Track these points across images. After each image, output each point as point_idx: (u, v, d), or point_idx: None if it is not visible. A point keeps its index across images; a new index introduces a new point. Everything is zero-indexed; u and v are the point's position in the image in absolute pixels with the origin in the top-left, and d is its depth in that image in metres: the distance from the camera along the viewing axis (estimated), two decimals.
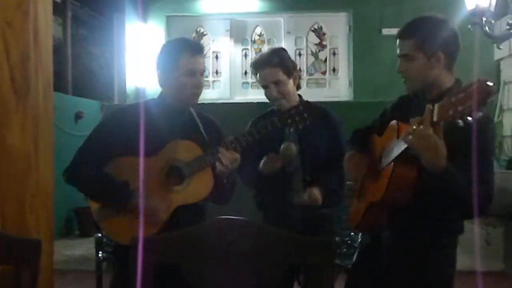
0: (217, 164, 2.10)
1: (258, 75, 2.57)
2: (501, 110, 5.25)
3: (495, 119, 5.21)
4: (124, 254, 2.01)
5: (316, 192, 2.45)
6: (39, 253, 1.60)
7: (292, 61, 2.62)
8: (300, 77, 2.68)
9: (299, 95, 2.65)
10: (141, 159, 2.05)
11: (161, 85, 2.27)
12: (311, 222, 2.50)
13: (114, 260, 2.38)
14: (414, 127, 1.60)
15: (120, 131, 2.14)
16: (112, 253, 2.35)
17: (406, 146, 1.68)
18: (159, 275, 1.39)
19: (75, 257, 5.48)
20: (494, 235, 4.59)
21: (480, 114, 1.45)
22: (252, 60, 2.64)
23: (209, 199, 2.26)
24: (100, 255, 3.43)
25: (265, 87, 2.56)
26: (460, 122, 1.48)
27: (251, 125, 2.64)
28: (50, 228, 2.04)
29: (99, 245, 3.50)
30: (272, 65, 2.51)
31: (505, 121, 5.21)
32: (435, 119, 1.55)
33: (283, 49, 2.67)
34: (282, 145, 2.43)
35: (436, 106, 1.55)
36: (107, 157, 2.14)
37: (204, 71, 2.26)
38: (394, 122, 1.89)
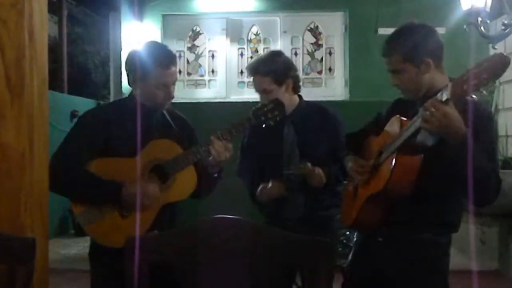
0: (212, 152, 2.10)
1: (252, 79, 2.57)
2: (496, 110, 5.26)
3: None
4: (104, 255, 1.99)
5: (319, 170, 2.43)
6: (33, 252, 1.60)
7: (287, 67, 2.54)
8: (296, 82, 2.60)
9: (300, 96, 2.64)
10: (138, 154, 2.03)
11: (131, 86, 2.25)
12: (313, 223, 2.49)
13: (92, 263, 2.29)
14: (431, 109, 1.63)
15: (96, 133, 2.13)
16: (91, 254, 2.27)
17: (416, 128, 1.70)
18: (154, 275, 1.39)
19: (70, 256, 5.47)
20: (489, 235, 4.60)
21: (492, 110, 1.49)
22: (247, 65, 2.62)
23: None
24: None
25: (258, 92, 2.56)
26: (474, 97, 1.53)
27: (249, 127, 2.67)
28: (45, 227, 2.03)
29: None
30: (261, 74, 2.49)
31: (500, 121, 5.21)
32: (448, 96, 1.59)
33: (276, 55, 2.59)
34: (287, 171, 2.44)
35: (450, 84, 1.59)
36: (85, 159, 2.11)
37: (176, 80, 2.22)
38: (396, 116, 1.92)
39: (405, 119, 1.87)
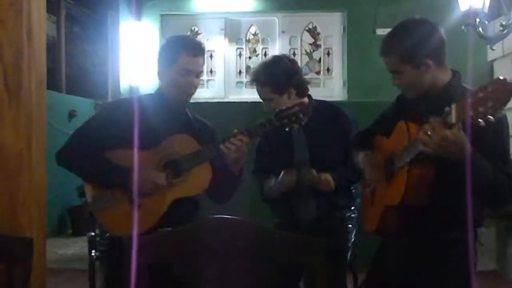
0: (228, 151, 2.08)
1: None
2: None
3: None
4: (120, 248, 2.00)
5: (326, 176, 2.43)
6: (31, 252, 1.60)
7: (287, 75, 2.47)
8: (300, 87, 2.54)
9: (309, 96, 2.61)
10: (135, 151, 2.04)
11: (159, 79, 2.29)
12: (326, 224, 2.48)
13: (108, 256, 2.32)
14: (429, 133, 1.60)
15: (117, 124, 2.15)
16: (108, 247, 2.29)
17: (419, 151, 1.67)
18: (153, 274, 1.39)
19: (68, 256, 5.47)
20: (486, 235, 4.60)
21: (503, 113, 1.45)
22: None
23: (213, 196, 2.28)
24: (93, 254, 3.42)
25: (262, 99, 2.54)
26: (482, 122, 1.46)
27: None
28: (42, 227, 2.03)
29: (92, 244, 3.49)
30: (260, 84, 2.47)
31: None
32: (453, 121, 1.54)
33: (276, 62, 2.52)
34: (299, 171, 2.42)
35: (454, 107, 1.53)
36: (102, 146, 2.13)
37: (201, 72, 2.26)
38: (402, 122, 1.87)
39: (412, 123, 1.83)
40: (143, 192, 2.06)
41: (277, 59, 2.56)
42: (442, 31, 1.89)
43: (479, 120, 1.46)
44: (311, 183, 2.43)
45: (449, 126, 1.56)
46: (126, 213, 2.08)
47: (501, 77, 1.45)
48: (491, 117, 1.44)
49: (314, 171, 2.41)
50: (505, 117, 1.81)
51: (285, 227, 2.49)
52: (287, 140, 2.50)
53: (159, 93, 2.29)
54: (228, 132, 2.16)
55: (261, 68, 2.50)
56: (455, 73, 1.92)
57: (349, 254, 3.29)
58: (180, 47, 2.21)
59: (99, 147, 2.13)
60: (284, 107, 2.17)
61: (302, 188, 2.49)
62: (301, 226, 2.43)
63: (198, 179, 2.15)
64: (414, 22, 1.91)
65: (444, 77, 1.89)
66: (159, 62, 2.27)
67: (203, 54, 2.25)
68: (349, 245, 3.10)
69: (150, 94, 2.36)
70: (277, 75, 2.45)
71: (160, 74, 2.27)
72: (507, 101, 1.43)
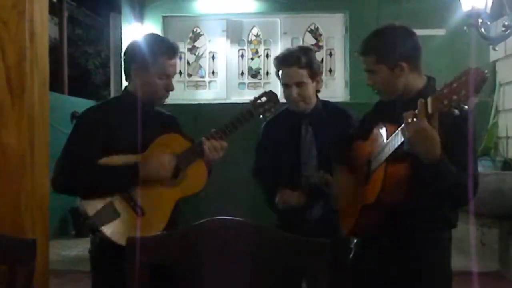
0: (206, 153, 2.10)
1: (281, 72, 2.49)
2: (497, 111, 5.26)
3: (491, 120, 5.22)
4: (118, 254, 1.98)
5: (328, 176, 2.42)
6: (34, 253, 1.60)
7: (319, 63, 2.57)
8: (322, 81, 2.63)
9: (317, 97, 2.61)
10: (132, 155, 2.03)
11: (128, 80, 2.21)
12: (328, 224, 2.47)
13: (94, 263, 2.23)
14: (410, 120, 1.63)
15: (98, 131, 2.10)
16: (101, 252, 2.17)
17: (399, 143, 1.71)
18: (154, 276, 1.39)
19: (71, 258, 5.47)
20: (489, 236, 4.60)
21: (476, 100, 1.51)
22: (279, 55, 2.54)
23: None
24: None
25: (286, 86, 2.48)
26: (456, 111, 1.53)
27: (264, 127, 2.64)
28: (45, 228, 2.04)
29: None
30: (300, 66, 2.45)
31: (500, 122, 5.22)
32: (430, 111, 1.59)
33: (311, 49, 2.61)
34: (307, 178, 2.42)
35: (430, 98, 1.59)
36: (92, 156, 2.06)
37: (175, 73, 2.22)
38: (380, 124, 1.92)
39: (389, 124, 1.87)
40: (155, 178, 2.05)
41: (309, 47, 2.70)
42: (419, 39, 1.96)
43: (454, 109, 1.53)
44: (325, 182, 2.42)
45: (427, 116, 1.60)
46: (132, 223, 2.04)
47: (498, 53, 1.51)
48: (464, 106, 1.51)
49: (328, 174, 2.38)
50: (471, 110, 1.85)
51: (286, 227, 2.49)
52: (294, 138, 2.49)
53: (129, 95, 2.20)
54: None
55: (300, 50, 2.52)
56: (429, 79, 1.98)
57: (350, 255, 3.29)
58: (155, 51, 2.13)
59: (91, 159, 2.05)
60: (254, 97, 2.22)
61: (310, 193, 2.48)
62: (304, 226, 2.42)
63: (196, 176, 2.13)
64: (393, 27, 1.99)
65: (419, 82, 1.95)
66: (130, 64, 2.17)
67: (178, 54, 2.22)
68: (351, 246, 3.11)
69: (120, 97, 2.31)
70: (315, 60, 2.53)
71: (131, 76, 2.18)
72: (480, 88, 1.50)
